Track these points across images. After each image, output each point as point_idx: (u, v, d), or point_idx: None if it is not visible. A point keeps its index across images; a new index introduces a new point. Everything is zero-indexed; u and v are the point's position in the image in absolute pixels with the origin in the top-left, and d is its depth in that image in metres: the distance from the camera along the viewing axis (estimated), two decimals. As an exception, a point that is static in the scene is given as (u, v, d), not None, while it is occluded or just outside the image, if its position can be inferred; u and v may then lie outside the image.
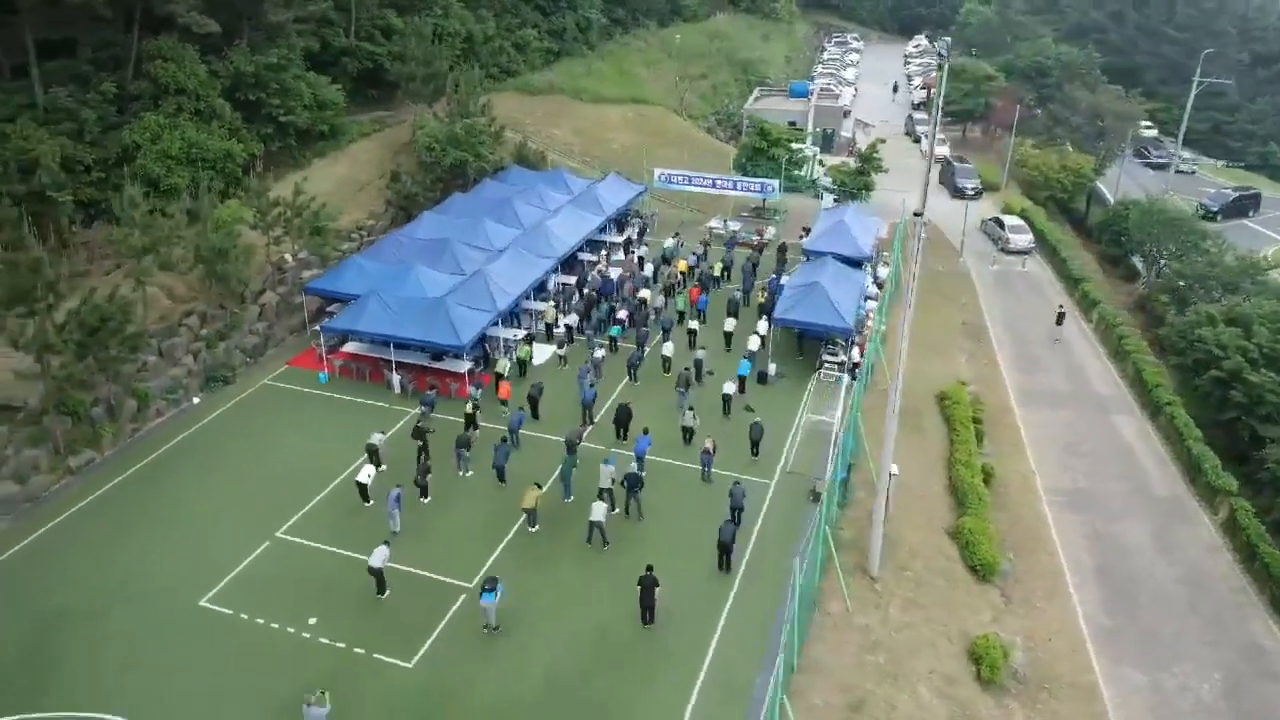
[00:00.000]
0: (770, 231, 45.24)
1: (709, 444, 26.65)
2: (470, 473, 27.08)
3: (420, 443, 27.04)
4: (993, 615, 25.16)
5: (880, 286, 38.88)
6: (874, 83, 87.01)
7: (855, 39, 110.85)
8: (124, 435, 28.67)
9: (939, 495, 28.82)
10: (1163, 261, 46.43)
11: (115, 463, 27.67)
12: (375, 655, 20.71)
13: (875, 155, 46.47)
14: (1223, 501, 29.11)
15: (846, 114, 70.86)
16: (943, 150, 62.80)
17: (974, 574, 25.99)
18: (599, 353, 32.16)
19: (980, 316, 41.94)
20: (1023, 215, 50.47)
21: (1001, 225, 48.85)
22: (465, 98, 44.80)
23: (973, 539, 26.32)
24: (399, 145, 46.25)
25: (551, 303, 36.03)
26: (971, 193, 54.39)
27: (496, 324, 32.81)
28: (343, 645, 20.99)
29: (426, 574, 23.14)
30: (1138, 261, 49.71)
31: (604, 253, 41.44)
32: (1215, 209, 60.50)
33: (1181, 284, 42.08)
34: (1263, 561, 26.32)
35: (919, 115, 73.24)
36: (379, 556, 22.01)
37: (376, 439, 27.10)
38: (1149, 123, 75.91)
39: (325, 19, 44.93)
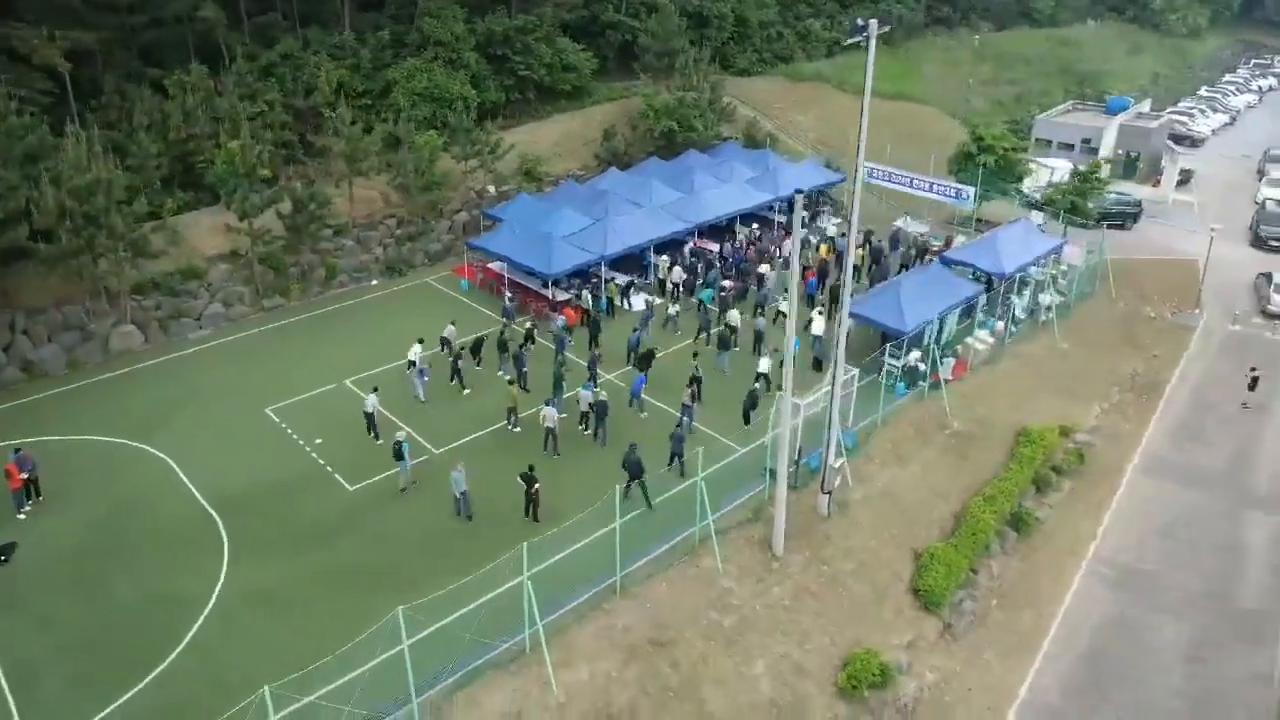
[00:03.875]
0: (959, 239, 42.43)
1: (688, 396, 27.89)
2: (508, 375, 31.34)
3: (474, 345, 31.86)
4: (911, 640, 23.34)
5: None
6: (1271, 112, 73.12)
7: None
8: (309, 294, 37.61)
9: (937, 520, 26.68)
10: None
11: (294, 310, 36.64)
12: (334, 474, 26.21)
13: (1094, 174, 40.95)
14: (1316, 634, 23.10)
15: (1180, 140, 61.15)
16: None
17: (915, 597, 24.22)
18: (673, 309, 34.31)
19: (1168, 373, 35.68)
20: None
21: (1269, 281, 40.15)
22: (692, 74, 48.23)
23: (930, 563, 24.45)
24: (636, 112, 51.15)
25: (666, 259, 38.36)
26: (1275, 244, 45.02)
27: (601, 265, 36.38)
28: (322, 461, 26.80)
29: (412, 433, 27.94)
30: None
31: (754, 226, 42.66)
32: None
33: None
34: (1298, 706, 20.89)
35: None
36: (369, 402, 27.43)
37: (449, 332, 32.57)
38: None
39: (597, -7, 51.26)
